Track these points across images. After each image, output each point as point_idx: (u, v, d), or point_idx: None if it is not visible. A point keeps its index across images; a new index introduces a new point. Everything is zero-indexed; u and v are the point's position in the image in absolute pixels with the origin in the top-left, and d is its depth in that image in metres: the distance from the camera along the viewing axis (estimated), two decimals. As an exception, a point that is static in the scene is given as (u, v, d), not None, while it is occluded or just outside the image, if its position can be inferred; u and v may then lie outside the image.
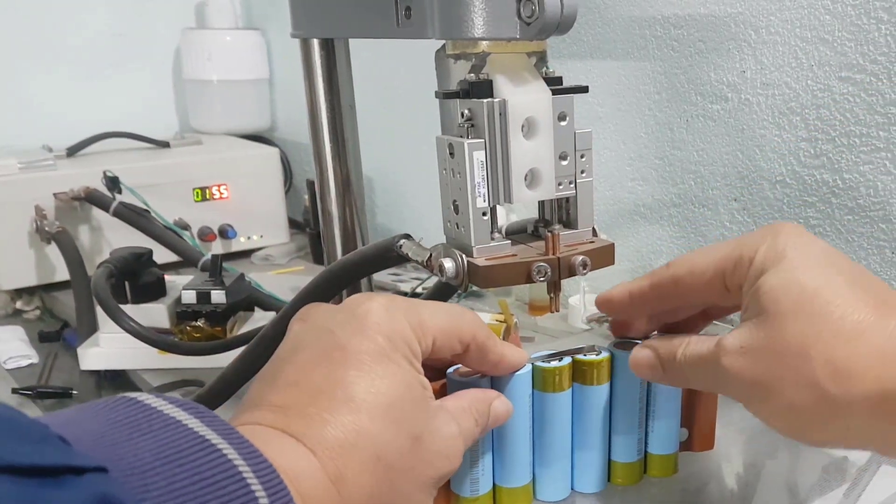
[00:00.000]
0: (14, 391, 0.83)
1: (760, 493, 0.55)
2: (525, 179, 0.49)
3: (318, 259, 1.24)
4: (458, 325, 0.42)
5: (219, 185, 1.24)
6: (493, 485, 0.50)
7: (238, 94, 1.52)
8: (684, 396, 0.54)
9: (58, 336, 1.01)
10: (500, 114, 0.48)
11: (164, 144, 1.33)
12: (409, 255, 0.53)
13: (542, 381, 0.48)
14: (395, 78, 1.25)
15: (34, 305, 1.13)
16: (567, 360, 0.49)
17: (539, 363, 0.48)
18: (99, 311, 0.77)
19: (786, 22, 0.77)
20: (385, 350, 0.37)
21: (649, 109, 0.91)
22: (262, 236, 1.29)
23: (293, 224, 1.36)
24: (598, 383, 0.50)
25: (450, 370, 0.46)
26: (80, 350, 0.83)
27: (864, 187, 0.75)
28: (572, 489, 0.53)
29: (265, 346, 0.62)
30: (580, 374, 0.50)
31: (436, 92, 0.51)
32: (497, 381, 0.47)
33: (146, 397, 0.31)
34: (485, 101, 0.48)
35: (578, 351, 0.50)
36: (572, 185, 0.51)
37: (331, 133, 0.71)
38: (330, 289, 0.59)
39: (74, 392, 0.82)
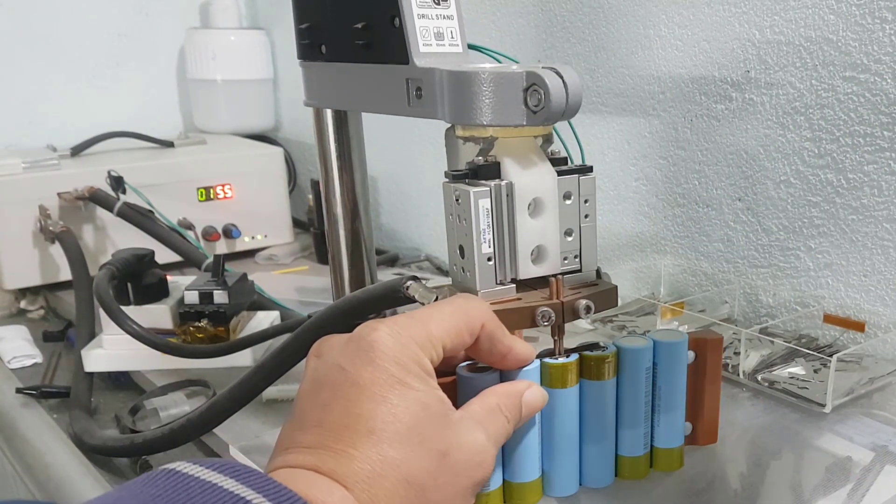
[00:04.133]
0: (18, 391, 0.83)
1: (764, 493, 0.55)
2: (531, 255, 0.51)
3: (322, 259, 1.24)
4: (466, 319, 0.42)
5: (223, 185, 1.24)
6: (503, 480, 0.50)
7: (242, 93, 1.52)
8: (689, 390, 0.54)
9: (62, 336, 1.01)
10: (508, 195, 0.50)
11: (169, 144, 1.33)
12: (416, 297, 0.53)
13: (550, 378, 0.49)
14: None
15: (38, 305, 1.13)
16: (574, 356, 0.50)
17: (547, 360, 0.49)
18: (102, 313, 0.77)
19: (790, 21, 0.77)
20: (396, 376, 0.38)
21: (653, 109, 0.91)
22: (266, 236, 1.29)
23: (297, 224, 1.36)
24: (605, 378, 0.51)
25: (460, 367, 0.47)
26: (83, 352, 0.83)
27: (869, 187, 0.74)
28: (581, 484, 0.53)
29: (262, 376, 0.62)
30: (587, 369, 0.51)
31: (445, 172, 0.52)
32: (506, 378, 0.47)
33: (183, 466, 0.33)
34: (492, 183, 0.49)
35: (585, 347, 0.51)
36: (577, 259, 0.53)
37: (335, 133, 0.71)
38: (335, 325, 0.59)
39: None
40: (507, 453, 0.50)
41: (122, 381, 0.86)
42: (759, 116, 0.81)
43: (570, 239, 0.52)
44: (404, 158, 1.30)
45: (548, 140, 0.53)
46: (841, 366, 0.72)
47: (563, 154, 0.53)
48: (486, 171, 0.50)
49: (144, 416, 0.76)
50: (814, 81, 0.76)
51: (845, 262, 0.78)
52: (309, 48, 0.67)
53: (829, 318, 0.79)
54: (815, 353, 0.73)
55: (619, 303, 0.90)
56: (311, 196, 1.29)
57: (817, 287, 0.81)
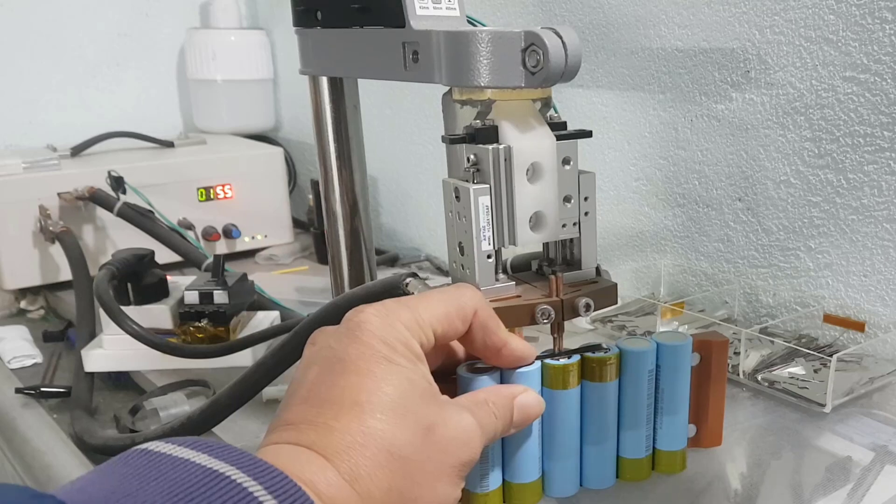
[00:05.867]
0: (17, 391, 0.83)
1: (765, 493, 0.55)
2: (529, 222, 0.50)
3: (322, 259, 1.24)
4: (458, 305, 0.42)
5: (223, 185, 1.24)
6: (503, 480, 0.50)
7: (242, 93, 1.52)
8: (693, 392, 0.54)
9: (62, 336, 1.01)
10: (506, 159, 0.49)
11: (169, 144, 1.33)
12: (415, 294, 0.53)
13: (551, 379, 0.49)
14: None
15: (38, 305, 1.13)
16: (576, 357, 0.50)
17: (548, 361, 0.49)
18: (102, 313, 0.78)
19: (790, 22, 0.77)
20: (383, 353, 0.38)
21: (654, 109, 0.91)
22: (266, 236, 1.29)
23: (297, 224, 1.36)
24: (607, 380, 0.50)
25: (460, 367, 0.47)
26: (83, 352, 0.83)
27: (869, 187, 0.74)
28: (581, 485, 0.53)
29: (262, 373, 0.62)
30: (589, 371, 0.50)
31: (442, 136, 0.52)
32: (506, 379, 0.47)
33: (155, 445, 0.33)
34: (490, 147, 0.49)
35: (587, 348, 0.51)
36: (576, 227, 0.52)
37: (335, 133, 0.71)
38: (334, 322, 0.59)
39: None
40: (507, 453, 0.49)
41: (122, 381, 0.86)
42: (759, 116, 0.81)
43: (569, 205, 0.51)
44: (404, 158, 1.30)
45: (546, 104, 0.52)
46: (841, 366, 0.72)
47: (562, 119, 0.52)
48: (484, 134, 0.49)
49: (144, 417, 0.76)
50: (814, 81, 0.76)
51: (845, 262, 0.78)
52: (304, 14, 0.66)
53: (829, 318, 0.79)
54: (815, 353, 0.73)
55: (619, 303, 0.91)
56: (311, 196, 1.29)
57: (817, 287, 0.81)
